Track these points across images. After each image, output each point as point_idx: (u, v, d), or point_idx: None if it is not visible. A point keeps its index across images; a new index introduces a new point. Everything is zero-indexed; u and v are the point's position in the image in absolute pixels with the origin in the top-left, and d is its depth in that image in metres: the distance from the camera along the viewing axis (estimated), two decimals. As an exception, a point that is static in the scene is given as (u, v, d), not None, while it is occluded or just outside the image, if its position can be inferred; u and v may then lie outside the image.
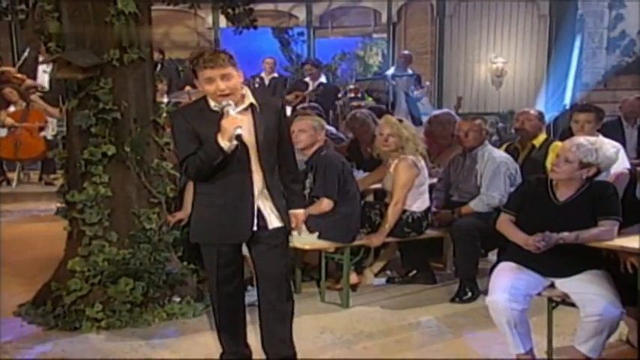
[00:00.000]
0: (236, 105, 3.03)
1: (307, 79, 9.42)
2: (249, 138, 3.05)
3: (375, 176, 5.07)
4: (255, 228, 3.10)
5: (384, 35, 11.96)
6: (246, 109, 3.09)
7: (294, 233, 3.37)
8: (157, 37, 4.17)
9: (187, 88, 9.17)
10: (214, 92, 3.01)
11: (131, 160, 4.23)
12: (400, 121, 4.79)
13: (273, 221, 3.14)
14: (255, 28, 4.81)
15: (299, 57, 12.05)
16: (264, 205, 3.13)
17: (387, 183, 4.80)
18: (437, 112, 6.41)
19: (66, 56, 4.04)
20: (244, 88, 3.12)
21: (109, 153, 4.17)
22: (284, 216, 3.17)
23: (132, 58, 4.13)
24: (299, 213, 3.33)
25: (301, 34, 12.09)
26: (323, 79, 9.48)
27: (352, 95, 9.72)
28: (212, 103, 3.06)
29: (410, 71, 9.45)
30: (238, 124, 2.94)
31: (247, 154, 3.06)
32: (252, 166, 3.08)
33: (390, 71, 9.70)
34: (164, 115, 4.44)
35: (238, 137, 2.94)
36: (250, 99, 3.10)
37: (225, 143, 2.95)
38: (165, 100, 7.61)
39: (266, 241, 3.14)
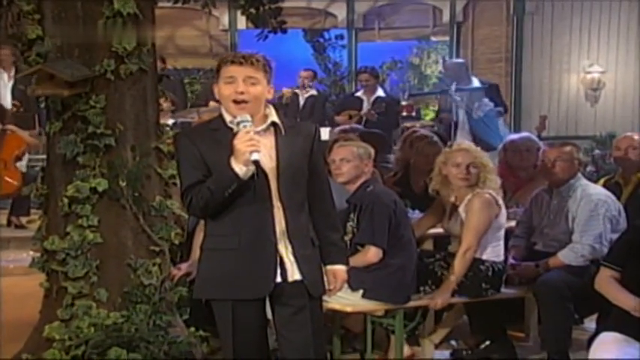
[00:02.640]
0: (253, 123, 3.06)
1: (360, 94, 9.42)
2: (269, 164, 3.10)
3: (432, 218, 5.06)
4: (278, 279, 3.12)
5: (446, 38, 12.00)
6: (267, 130, 3.14)
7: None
8: (159, 41, 4.23)
9: (212, 104, 9.23)
10: (229, 95, 3.07)
11: (127, 197, 4.29)
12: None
13: (294, 273, 3.15)
14: (284, 32, 4.88)
15: (337, 66, 12.14)
16: (286, 250, 3.15)
17: (453, 225, 4.79)
18: (514, 136, 6.40)
19: (48, 68, 4.13)
20: (268, 107, 3.18)
21: (100, 189, 4.23)
22: (307, 269, 3.16)
23: (130, 70, 4.22)
24: (339, 270, 3.33)
25: (340, 37, 12.19)
26: (380, 92, 9.49)
27: (405, 114, 9.74)
28: (228, 118, 3.11)
29: (476, 82, 9.39)
30: (254, 145, 2.97)
31: (268, 184, 3.10)
32: (274, 200, 3.11)
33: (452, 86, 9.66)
34: (169, 140, 4.51)
35: (255, 163, 2.98)
36: (273, 117, 3.16)
37: (240, 168, 2.98)
38: (171, 121, 7.71)
39: (289, 302, 3.15)
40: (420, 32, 12.32)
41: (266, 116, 3.16)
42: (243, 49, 11.30)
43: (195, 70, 11.63)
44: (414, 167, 5.99)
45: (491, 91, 8.91)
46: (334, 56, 12.31)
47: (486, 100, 8.52)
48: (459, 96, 8.63)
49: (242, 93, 3.06)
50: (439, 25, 11.94)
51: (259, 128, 3.11)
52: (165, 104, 7.66)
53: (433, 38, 12.48)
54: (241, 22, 10.99)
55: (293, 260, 3.14)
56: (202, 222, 4.78)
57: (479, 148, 4.84)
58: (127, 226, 4.34)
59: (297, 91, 9.98)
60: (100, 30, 4.17)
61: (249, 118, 3.04)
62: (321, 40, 12.41)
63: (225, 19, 11.54)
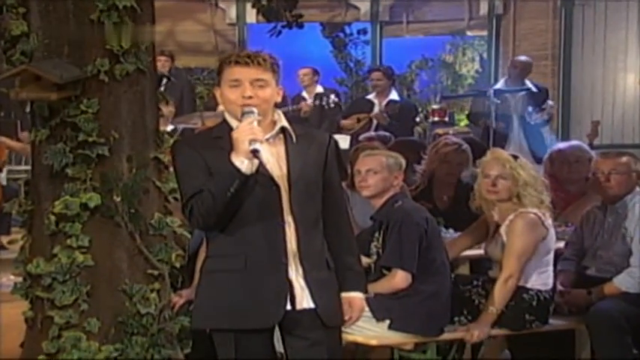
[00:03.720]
0: (260, 122, 3.08)
1: (371, 97, 9.45)
2: (279, 175, 3.13)
3: (472, 237, 5.06)
4: (288, 307, 3.14)
5: (484, 33, 11.99)
6: (276, 137, 3.18)
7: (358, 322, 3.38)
8: (157, 37, 4.23)
9: (221, 107, 9.28)
10: (235, 101, 3.11)
11: (122, 214, 4.31)
12: (515, 157, 4.80)
13: (304, 300, 3.16)
14: (301, 26, 4.90)
15: (359, 64, 12.15)
16: (296, 274, 3.16)
17: (493, 249, 4.78)
18: (561, 145, 6.39)
19: (34, 68, 4.15)
20: (277, 112, 3.22)
21: (91, 204, 4.25)
22: (321, 296, 3.17)
23: (127, 71, 4.25)
24: (356, 299, 3.35)
25: (363, 32, 12.20)
26: (394, 95, 9.51)
27: (436, 119, 9.73)
28: (234, 124, 3.13)
29: (529, 84, 9.39)
30: (254, 134, 3.00)
31: (279, 197, 3.13)
32: (285, 216, 3.13)
33: (499, 85, 9.64)
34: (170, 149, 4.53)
35: (255, 153, 3.00)
36: (283, 122, 3.20)
37: (240, 160, 3.00)
38: (170, 127, 7.74)
39: (302, 334, 3.17)
40: (455, 26, 12.28)
41: (274, 122, 3.19)
42: (253, 45, 11.38)
43: (198, 70, 11.61)
44: (437, 178, 5.99)
45: (540, 95, 8.91)
46: (356, 54, 12.32)
47: (551, 102, 8.51)
48: (499, 99, 8.61)
49: (250, 97, 3.09)
50: (476, 18, 11.91)
51: (268, 135, 3.14)
52: (167, 109, 7.69)
53: (469, 33, 12.45)
54: (251, 15, 11.02)
55: (304, 285, 3.16)
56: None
57: (519, 159, 4.79)
58: (121, 246, 4.36)
59: (303, 94, 10.05)
60: (92, 26, 4.20)
61: (254, 109, 3.07)
62: (342, 35, 12.40)
63: (232, 12, 11.58)
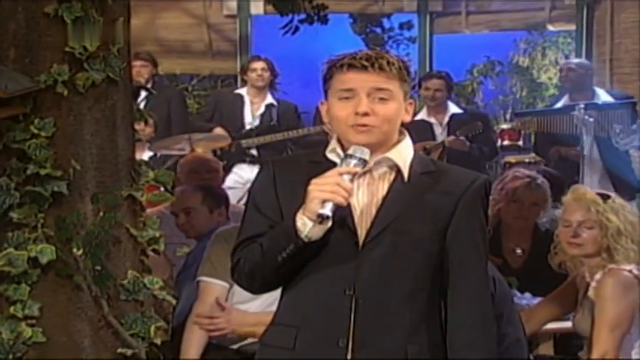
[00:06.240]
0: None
1: (423, 115, 9.37)
2: (364, 226, 3.08)
3: (556, 304, 5.06)
4: None
5: (571, 27, 12.00)
6: (379, 170, 3.11)
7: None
8: (133, 33, 4.20)
9: (218, 129, 9.21)
10: (345, 118, 3.05)
11: (84, 272, 4.32)
12: (605, 197, 4.79)
13: None
14: (325, 21, 4.93)
15: (402, 68, 12.17)
16: None
17: (580, 319, 4.78)
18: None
19: (-29, 79, 4.21)
20: (403, 134, 3.16)
21: (43, 260, 4.26)
22: None
23: (93, 80, 4.27)
24: None
25: (407, 26, 12.25)
26: (454, 108, 9.39)
27: (506, 142, 9.71)
28: (331, 146, 3.12)
29: (606, 96, 9.39)
30: (335, 193, 2.94)
31: (356, 256, 3.07)
32: (357, 282, 3.06)
33: (560, 103, 9.65)
34: (148, 184, 4.56)
35: (321, 218, 2.94)
36: (395, 153, 3.11)
37: (302, 222, 2.96)
38: (147, 155, 7.76)
39: None
40: (531, 19, 12.31)
41: (396, 143, 3.12)
42: (259, 43, 11.48)
43: (185, 77, 11.57)
44: (506, 224, 5.98)
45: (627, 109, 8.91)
46: (397, 54, 12.34)
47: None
48: (587, 115, 8.61)
49: (365, 114, 3.02)
50: (560, 7, 11.94)
51: (373, 161, 3.07)
52: (147, 129, 7.66)
53: (551, 27, 12.46)
54: (257, 5, 11.07)
55: None
56: (196, 311, 4.84)
57: (610, 199, 4.75)
58: (83, 316, 4.38)
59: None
60: (48, 22, 4.25)
61: (365, 154, 3.00)
62: (379, 30, 12.48)
63: (231, 1, 11.61)
